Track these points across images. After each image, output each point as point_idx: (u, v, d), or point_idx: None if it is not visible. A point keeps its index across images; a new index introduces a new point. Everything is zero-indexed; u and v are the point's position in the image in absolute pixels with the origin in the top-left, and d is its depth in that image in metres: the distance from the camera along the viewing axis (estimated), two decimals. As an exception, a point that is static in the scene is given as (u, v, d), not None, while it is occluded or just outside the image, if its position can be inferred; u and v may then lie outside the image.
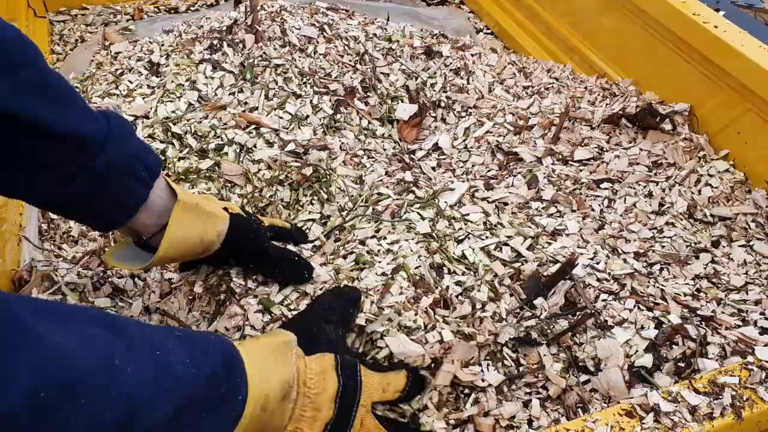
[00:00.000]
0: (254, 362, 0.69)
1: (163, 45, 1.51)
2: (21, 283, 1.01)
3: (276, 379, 0.70)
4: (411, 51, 1.58)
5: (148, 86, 1.40)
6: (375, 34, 1.61)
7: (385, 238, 1.05)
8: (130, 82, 1.41)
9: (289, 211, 1.19)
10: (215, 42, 1.46)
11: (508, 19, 1.87)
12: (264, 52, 1.43)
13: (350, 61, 1.49)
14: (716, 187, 1.23)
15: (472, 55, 1.61)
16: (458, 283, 0.97)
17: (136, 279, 1.04)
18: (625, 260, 1.07)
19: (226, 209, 0.93)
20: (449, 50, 1.60)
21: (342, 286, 0.93)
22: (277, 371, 0.71)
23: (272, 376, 0.70)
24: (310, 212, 1.18)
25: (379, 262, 0.99)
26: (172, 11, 1.95)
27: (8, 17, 1.55)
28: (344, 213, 1.16)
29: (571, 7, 1.66)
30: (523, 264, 1.01)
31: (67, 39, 1.79)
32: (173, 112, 1.32)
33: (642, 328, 0.93)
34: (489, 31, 1.93)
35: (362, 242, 1.05)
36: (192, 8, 1.98)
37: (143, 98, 1.36)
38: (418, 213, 1.09)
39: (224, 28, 1.49)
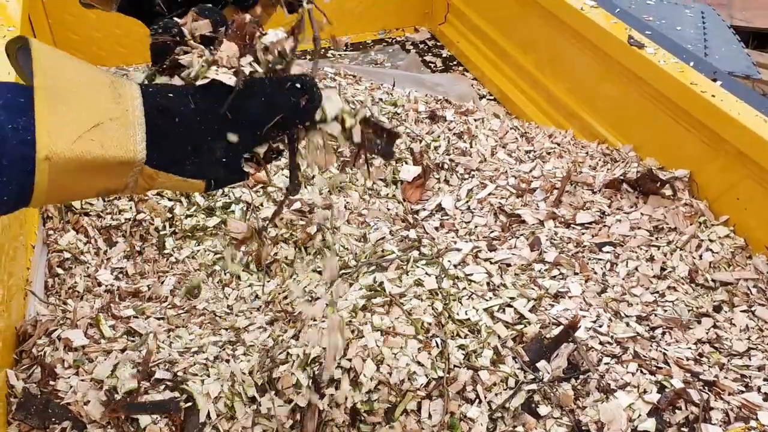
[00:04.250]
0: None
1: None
2: (25, 337, 1.02)
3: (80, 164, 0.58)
4: (416, 115, 1.62)
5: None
6: (381, 99, 1.65)
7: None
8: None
9: (293, 268, 1.20)
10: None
11: (510, 86, 1.92)
12: (272, 114, 1.46)
13: (356, 123, 1.52)
14: (717, 253, 1.24)
15: (475, 120, 1.64)
16: (461, 347, 0.97)
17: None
18: (627, 323, 1.07)
19: None
20: (453, 115, 1.63)
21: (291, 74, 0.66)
22: (87, 181, 0.59)
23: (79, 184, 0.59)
24: (314, 270, 1.19)
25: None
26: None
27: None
28: (348, 269, 1.17)
29: (571, 75, 1.70)
30: (525, 326, 1.02)
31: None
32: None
33: (645, 392, 0.92)
34: (492, 98, 1.97)
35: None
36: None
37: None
38: (423, 269, 1.10)
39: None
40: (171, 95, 0.61)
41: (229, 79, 0.62)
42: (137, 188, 0.63)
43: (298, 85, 0.64)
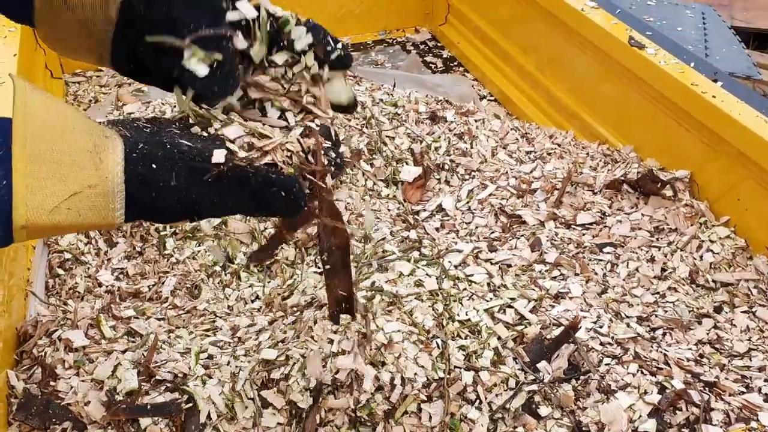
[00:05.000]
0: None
1: (175, 106, 1.55)
2: (26, 337, 1.02)
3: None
4: (416, 116, 1.62)
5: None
6: (381, 100, 1.65)
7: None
8: (142, 142, 1.44)
9: (294, 269, 1.20)
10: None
11: (511, 87, 1.92)
12: (273, 115, 1.46)
13: (357, 124, 1.52)
14: (718, 253, 1.24)
15: (476, 121, 1.64)
16: (461, 348, 0.97)
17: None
18: (628, 324, 1.07)
19: None
20: (453, 115, 1.63)
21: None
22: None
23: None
24: (314, 271, 1.19)
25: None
26: (185, 74, 2.00)
27: (26, 78, 1.60)
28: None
29: (572, 76, 1.70)
30: (526, 327, 1.01)
31: (82, 99, 1.83)
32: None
33: (645, 392, 0.92)
34: (492, 98, 1.97)
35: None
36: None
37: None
38: (423, 270, 1.10)
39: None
40: (154, 166, 0.59)
41: (219, 156, 0.60)
42: None
43: (283, 194, 0.63)
